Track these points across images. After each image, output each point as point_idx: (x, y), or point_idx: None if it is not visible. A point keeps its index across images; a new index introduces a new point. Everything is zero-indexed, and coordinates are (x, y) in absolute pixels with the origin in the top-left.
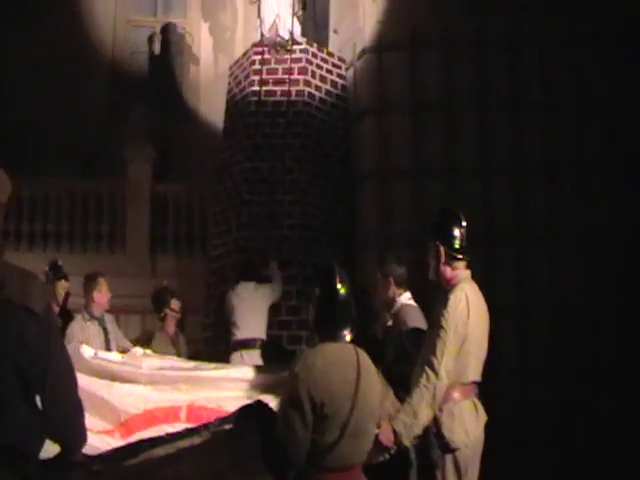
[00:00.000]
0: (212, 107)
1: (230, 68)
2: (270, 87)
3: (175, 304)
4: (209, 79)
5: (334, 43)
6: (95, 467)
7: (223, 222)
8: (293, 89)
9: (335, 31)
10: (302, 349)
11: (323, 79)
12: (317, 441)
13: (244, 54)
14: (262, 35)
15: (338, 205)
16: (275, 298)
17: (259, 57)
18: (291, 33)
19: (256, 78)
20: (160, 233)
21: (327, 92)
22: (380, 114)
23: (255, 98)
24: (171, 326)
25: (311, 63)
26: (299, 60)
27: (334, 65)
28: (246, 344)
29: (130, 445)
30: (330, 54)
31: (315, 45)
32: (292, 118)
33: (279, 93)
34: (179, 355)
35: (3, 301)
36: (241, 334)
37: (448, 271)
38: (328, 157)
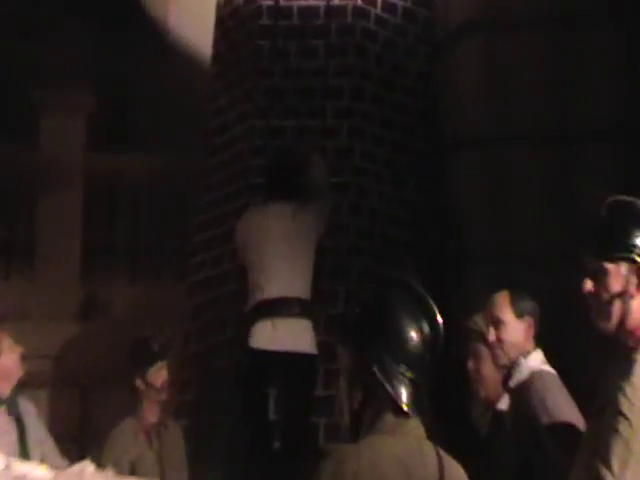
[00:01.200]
0: (191, 20)
1: None
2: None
3: (158, 375)
4: None
5: None
6: None
7: (215, 224)
8: None
9: None
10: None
11: None
12: None
13: None
14: None
15: (418, 192)
16: (323, 228)
17: None
18: None
19: None
20: (101, 243)
21: None
22: (494, 30)
23: (269, 2)
24: (150, 411)
25: None
26: None
27: None
28: (276, 308)
29: None
30: None
31: None
32: (337, 40)
33: None
34: (163, 464)
35: None
36: (267, 292)
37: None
38: (400, 111)
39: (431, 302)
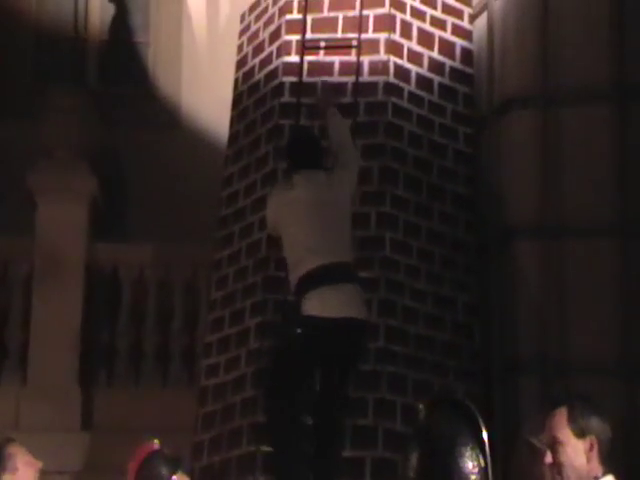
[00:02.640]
0: (205, 98)
1: (241, 18)
2: (320, 56)
3: None
4: (199, 42)
5: None
6: None
7: (231, 322)
8: (366, 59)
9: None
10: None
11: (426, 38)
12: None
13: None
14: None
15: (457, 288)
16: (354, 191)
17: None
18: None
19: (293, 38)
20: (102, 342)
21: (434, 64)
22: (549, 104)
23: (292, 78)
24: None
25: (401, 7)
26: (376, 1)
27: (448, 10)
28: (327, 275)
29: None
30: None
31: None
32: (366, 118)
33: (338, 66)
34: None
35: None
36: (313, 261)
37: None
38: (437, 196)
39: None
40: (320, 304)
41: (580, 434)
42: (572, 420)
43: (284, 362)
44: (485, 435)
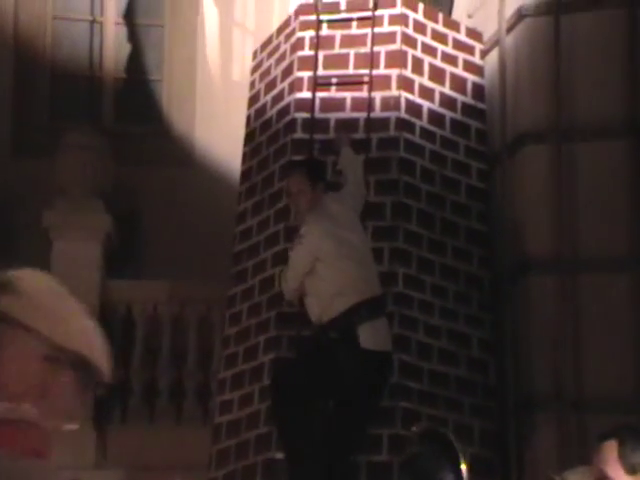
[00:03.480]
0: (217, 131)
1: (254, 55)
2: (332, 92)
3: None
4: (212, 79)
5: (458, 3)
6: None
7: (245, 358)
8: (377, 95)
9: None
10: None
11: (437, 74)
12: None
13: (279, 30)
14: None
15: (472, 324)
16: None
17: (310, 33)
18: None
19: (305, 75)
20: (116, 380)
21: (446, 100)
22: (562, 139)
23: (304, 114)
24: None
25: (412, 43)
26: (388, 37)
27: (459, 46)
28: (370, 309)
29: None
30: (451, 24)
31: (421, 8)
32: (378, 154)
33: (350, 103)
34: None
35: None
36: (355, 294)
37: None
38: (450, 232)
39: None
40: (374, 337)
41: (631, 471)
42: (623, 455)
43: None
44: (464, 468)
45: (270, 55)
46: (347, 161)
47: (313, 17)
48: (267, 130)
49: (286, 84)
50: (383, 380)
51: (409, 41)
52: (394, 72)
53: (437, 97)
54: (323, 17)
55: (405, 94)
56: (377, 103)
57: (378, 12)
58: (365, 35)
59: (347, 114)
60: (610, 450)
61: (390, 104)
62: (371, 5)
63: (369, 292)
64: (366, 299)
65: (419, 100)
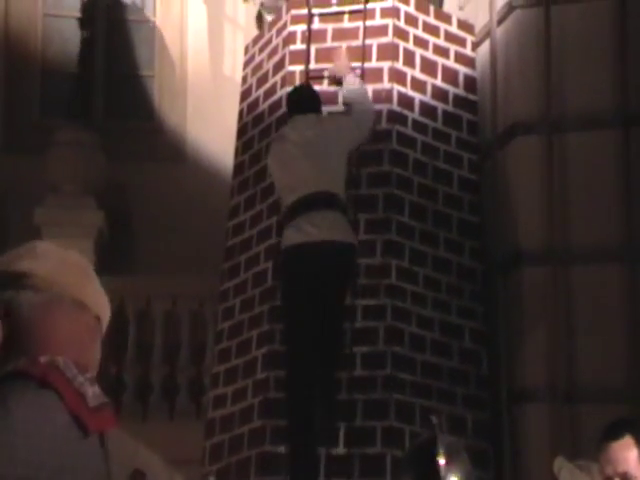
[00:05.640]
0: (209, 126)
1: (245, 49)
2: (325, 86)
3: None
4: (203, 74)
5: None
6: None
7: (237, 353)
8: (369, 88)
9: None
10: None
11: (429, 66)
12: None
13: (271, 24)
14: None
15: (464, 315)
16: (358, 138)
17: (301, 27)
18: None
19: (297, 69)
20: (108, 376)
21: (438, 92)
22: (553, 130)
23: None
24: None
25: (404, 36)
26: (379, 30)
27: (450, 38)
28: (305, 205)
29: None
30: (442, 17)
31: (412, 0)
32: (370, 146)
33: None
34: None
35: None
36: (295, 195)
37: None
38: (442, 223)
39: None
40: (297, 233)
41: None
42: None
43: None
44: None
45: (262, 49)
46: (353, 94)
47: (304, 11)
48: (259, 124)
49: (278, 78)
50: (331, 269)
51: (401, 34)
52: (386, 65)
53: (429, 89)
54: (314, 11)
55: (397, 87)
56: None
57: (369, 5)
58: (357, 28)
59: (340, 107)
60: (627, 448)
61: (382, 97)
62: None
63: (305, 191)
64: (299, 197)
65: (411, 92)
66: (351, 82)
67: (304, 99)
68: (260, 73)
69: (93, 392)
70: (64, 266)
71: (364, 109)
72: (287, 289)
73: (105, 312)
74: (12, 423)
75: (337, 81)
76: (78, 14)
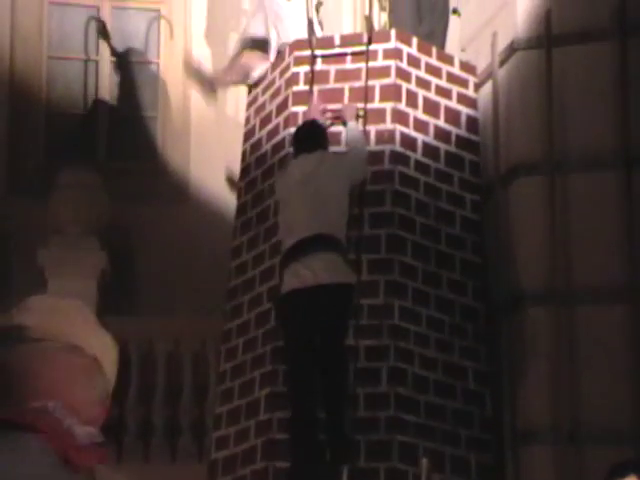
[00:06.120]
0: (212, 167)
1: (249, 90)
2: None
3: None
4: (207, 119)
5: (451, 37)
6: None
7: (240, 394)
8: (372, 128)
9: (455, 11)
10: None
11: (432, 107)
12: None
13: (274, 65)
14: (309, 23)
15: (467, 356)
16: (360, 174)
17: (304, 69)
18: (368, 18)
19: (300, 109)
20: (110, 418)
21: (440, 132)
22: (555, 170)
23: None
24: None
25: (407, 77)
26: (382, 71)
27: (453, 79)
28: (300, 249)
29: None
30: (444, 58)
31: (415, 42)
32: (372, 187)
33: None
34: None
35: None
36: (293, 238)
37: None
38: (445, 264)
39: None
40: (294, 278)
41: None
42: None
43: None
44: None
45: (265, 90)
46: (351, 137)
47: (307, 52)
48: (262, 165)
49: (281, 119)
50: (328, 311)
51: (403, 75)
52: (388, 105)
53: (431, 130)
54: (317, 52)
55: (400, 127)
56: (372, 136)
57: (372, 47)
58: (359, 69)
59: (343, 148)
60: None
61: (385, 137)
62: (365, 40)
63: (303, 234)
64: (296, 241)
65: (414, 133)
66: (353, 125)
67: (310, 137)
68: (263, 114)
69: (84, 431)
70: (55, 314)
71: (363, 150)
72: (286, 334)
73: (103, 351)
74: None
75: (342, 122)
76: (82, 56)
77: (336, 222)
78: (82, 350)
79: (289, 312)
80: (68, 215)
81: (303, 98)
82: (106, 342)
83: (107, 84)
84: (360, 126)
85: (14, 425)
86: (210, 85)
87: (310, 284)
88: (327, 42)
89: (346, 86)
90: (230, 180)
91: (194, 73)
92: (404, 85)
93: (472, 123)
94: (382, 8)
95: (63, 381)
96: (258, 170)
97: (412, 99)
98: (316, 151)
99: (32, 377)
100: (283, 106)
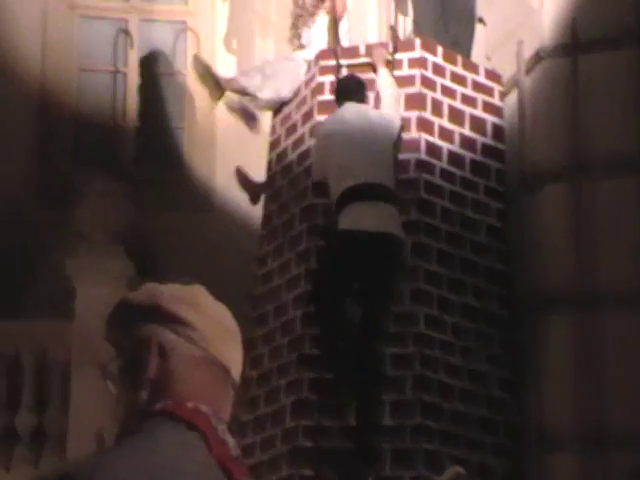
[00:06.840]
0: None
1: None
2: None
3: None
4: (232, 129)
5: (477, 46)
6: None
7: (267, 400)
8: None
9: (481, 20)
10: None
11: (457, 116)
12: None
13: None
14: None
15: (492, 363)
16: (397, 139)
17: (329, 78)
18: (393, 28)
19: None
20: None
21: (466, 141)
22: (581, 178)
23: None
24: None
25: (432, 86)
26: (407, 80)
27: (478, 87)
28: (362, 193)
29: None
30: (470, 67)
31: (440, 50)
32: (398, 194)
33: None
34: None
35: None
36: (352, 180)
37: None
38: (470, 271)
39: None
40: (355, 218)
41: None
42: None
43: (324, 280)
44: None
45: (291, 100)
46: (382, 85)
47: (333, 62)
48: (288, 174)
49: (307, 128)
50: (379, 261)
51: (428, 84)
52: (414, 114)
53: (457, 138)
54: (343, 62)
55: (425, 136)
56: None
57: (397, 55)
58: None
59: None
60: None
61: (410, 146)
62: (390, 49)
63: (364, 179)
64: (358, 184)
65: (439, 142)
66: (384, 76)
67: (352, 88)
68: (289, 123)
69: (232, 441)
70: (219, 327)
71: (397, 102)
72: (333, 269)
73: (237, 367)
74: (159, 452)
75: (373, 68)
76: (111, 68)
77: (392, 178)
78: (222, 364)
79: (344, 249)
80: (94, 223)
81: (328, 107)
82: (240, 359)
83: (134, 95)
84: (392, 81)
85: (175, 418)
86: (216, 84)
87: (373, 229)
88: (352, 51)
89: (371, 95)
90: (240, 174)
91: (201, 70)
92: (429, 94)
93: (497, 131)
94: (401, 12)
95: (210, 390)
96: (284, 179)
97: (437, 108)
98: (362, 103)
99: (190, 379)
100: (308, 115)
